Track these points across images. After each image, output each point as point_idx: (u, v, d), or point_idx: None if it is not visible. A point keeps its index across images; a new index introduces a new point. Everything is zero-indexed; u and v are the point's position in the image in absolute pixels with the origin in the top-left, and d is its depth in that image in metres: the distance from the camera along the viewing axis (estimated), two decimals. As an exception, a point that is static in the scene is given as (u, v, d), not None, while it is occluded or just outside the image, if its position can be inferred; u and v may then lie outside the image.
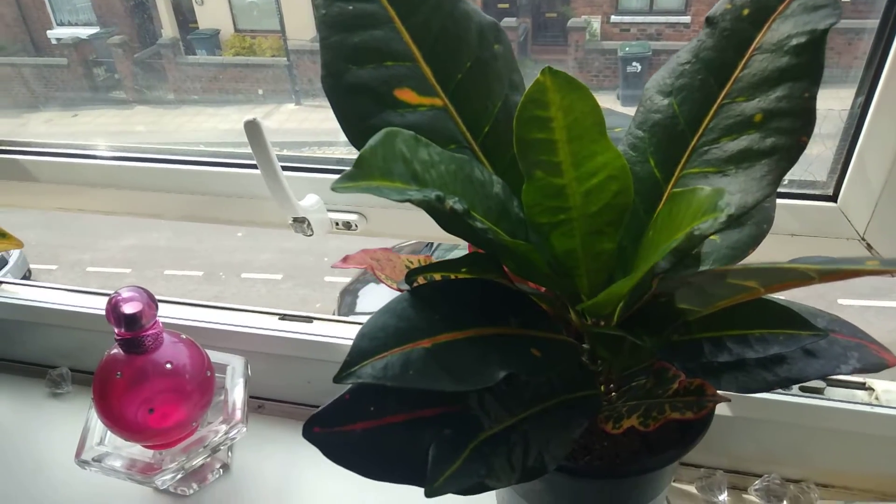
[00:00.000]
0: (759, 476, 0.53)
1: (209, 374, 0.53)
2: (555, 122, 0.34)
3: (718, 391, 0.35)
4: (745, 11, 0.34)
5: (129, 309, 0.49)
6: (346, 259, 0.41)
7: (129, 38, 6.07)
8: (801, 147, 0.33)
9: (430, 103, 0.38)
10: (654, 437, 0.41)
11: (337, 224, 0.73)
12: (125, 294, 0.49)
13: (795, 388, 0.53)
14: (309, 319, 0.64)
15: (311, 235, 0.71)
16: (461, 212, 0.30)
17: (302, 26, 5.99)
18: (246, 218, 0.78)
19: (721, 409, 0.52)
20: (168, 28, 6.08)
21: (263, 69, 6.13)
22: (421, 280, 0.38)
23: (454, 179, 0.34)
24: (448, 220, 0.33)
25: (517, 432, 0.35)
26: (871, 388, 0.53)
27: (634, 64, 5.29)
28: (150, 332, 0.50)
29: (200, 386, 0.53)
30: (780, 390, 0.53)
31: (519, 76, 0.40)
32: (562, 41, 5.76)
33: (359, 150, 0.37)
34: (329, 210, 0.72)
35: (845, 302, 3.33)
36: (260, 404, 0.64)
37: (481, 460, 0.33)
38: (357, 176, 0.28)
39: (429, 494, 0.31)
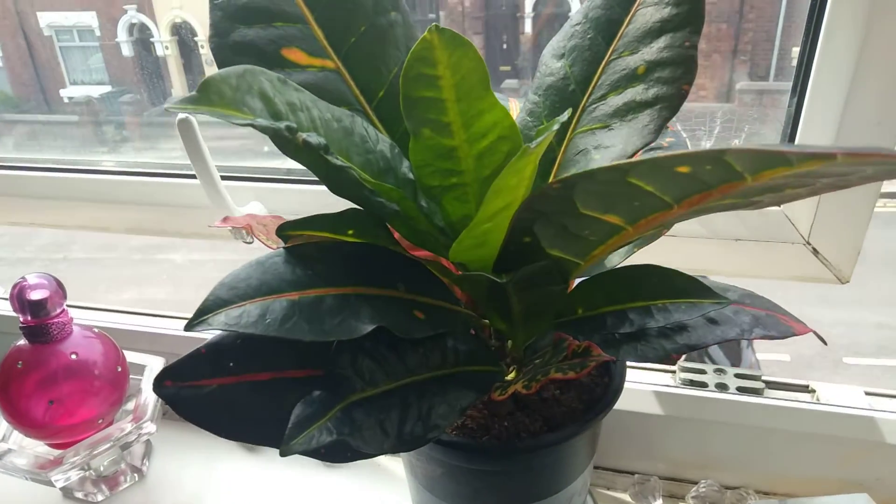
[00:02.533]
0: (696, 483, 0.50)
1: (120, 370, 0.51)
2: (443, 81, 0.33)
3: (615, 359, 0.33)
4: (631, -34, 0.34)
5: (35, 295, 0.47)
6: (225, 219, 0.40)
7: (140, 97, 6.26)
8: (682, 95, 0.32)
9: (321, 65, 0.37)
10: (558, 419, 0.38)
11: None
12: (32, 280, 0.48)
13: (733, 387, 0.50)
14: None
15: (250, 243, 0.70)
16: (315, 145, 0.29)
17: (308, 87, 6.16)
18: (190, 229, 0.77)
19: (653, 408, 0.50)
20: (178, 88, 6.28)
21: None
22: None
23: (327, 128, 0.33)
24: (310, 162, 0.31)
25: (395, 397, 0.32)
26: (812, 391, 0.50)
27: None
28: (56, 320, 0.48)
29: (111, 382, 0.50)
30: (715, 389, 0.51)
31: (409, 45, 0.39)
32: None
33: (244, 108, 0.36)
34: (273, 219, 0.71)
35: (851, 361, 3.27)
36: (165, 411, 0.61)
37: (348, 421, 0.30)
38: (199, 100, 0.27)
39: (283, 452, 0.29)
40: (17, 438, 0.51)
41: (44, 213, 0.80)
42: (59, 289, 0.49)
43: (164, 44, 6.75)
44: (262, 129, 0.28)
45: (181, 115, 0.60)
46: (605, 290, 0.37)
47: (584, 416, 0.37)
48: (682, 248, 0.61)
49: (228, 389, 0.31)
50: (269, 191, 0.71)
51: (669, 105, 0.32)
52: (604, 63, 0.35)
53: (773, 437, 0.49)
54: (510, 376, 0.39)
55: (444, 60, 0.33)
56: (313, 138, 0.29)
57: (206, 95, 0.27)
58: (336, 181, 0.35)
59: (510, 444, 0.36)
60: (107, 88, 6.65)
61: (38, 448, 0.50)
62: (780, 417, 0.48)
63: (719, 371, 0.52)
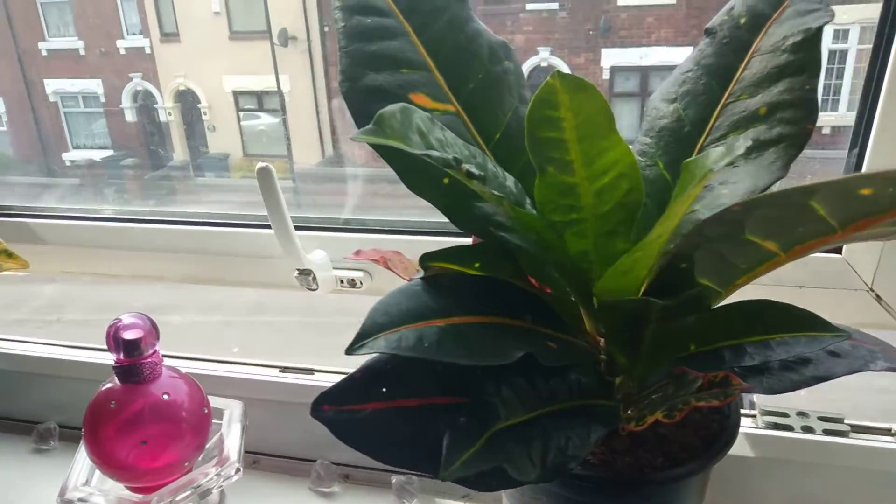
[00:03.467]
0: (790, 527, 0.50)
1: (206, 412, 0.51)
2: (565, 122, 0.35)
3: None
4: (742, 20, 0.37)
5: (129, 335, 0.48)
6: (358, 252, 0.41)
7: (142, 160, 6.34)
8: (807, 134, 0.34)
9: (444, 108, 0.39)
10: (678, 454, 0.38)
11: (342, 282, 0.73)
12: (127, 320, 0.48)
13: (819, 430, 0.51)
14: (310, 371, 0.62)
15: (315, 290, 0.71)
16: (477, 176, 0.30)
17: (308, 153, 6.29)
18: (249, 278, 0.77)
19: (742, 450, 0.50)
20: (180, 152, 6.37)
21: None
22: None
23: (467, 163, 0.34)
24: (458, 198, 0.33)
25: (535, 427, 0.33)
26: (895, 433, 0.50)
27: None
28: (149, 360, 0.48)
29: (197, 424, 0.50)
30: (802, 432, 0.51)
31: (528, 92, 0.42)
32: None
33: (375, 149, 0.38)
34: (335, 268, 0.72)
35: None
36: (255, 459, 0.60)
37: (499, 449, 0.31)
38: (377, 133, 0.29)
39: (443, 476, 0.29)
40: (100, 480, 0.50)
41: (97, 263, 0.81)
42: (153, 329, 0.49)
43: (167, 110, 6.89)
44: (434, 160, 0.30)
45: (261, 164, 0.62)
46: (719, 325, 0.38)
47: (706, 451, 0.37)
48: (746, 294, 0.62)
49: (381, 414, 0.32)
50: (330, 240, 0.73)
51: (794, 143, 0.33)
52: (720, 106, 0.37)
53: (858, 477, 0.49)
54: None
55: (566, 103, 0.35)
56: (475, 169, 0.30)
57: (381, 128, 0.29)
58: (467, 215, 0.36)
59: (643, 476, 0.36)
60: (109, 152, 6.74)
61: (121, 492, 0.50)
62: (864, 456, 0.49)
63: (801, 414, 0.53)
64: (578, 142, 0.36)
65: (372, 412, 0.32)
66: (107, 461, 0.48)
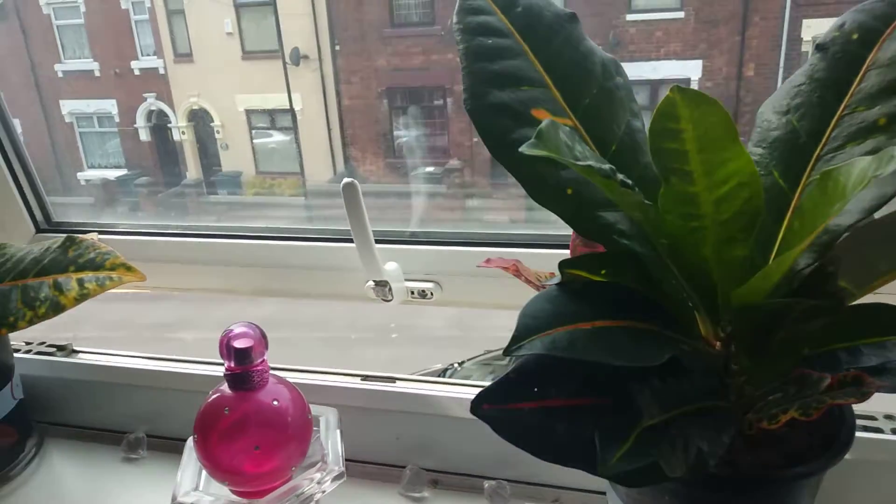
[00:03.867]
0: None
1: (309, 418, 0.52)
2: (685, 134, 0.37)
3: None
4: (854, 36, 0.38)
5: (240, 343, 0.49)
6: (489, 261, 0.43)
7: (155, 179, 6.41)
8: (928, 142, 0.35)
9: (563, 122, 0.41)
10: (793, 455, 0.39)
11: (413, 293, 0.74)
12: (238, 329, 0.50)
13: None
14: (392, 380, 0.64)
15: (390, 301, 0.72)
16: (630, 185, 0.32)
17: (320, 170, 6.34)
18: (318, 290, 0.79)
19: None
20: (193, 170, 6.44)
21: (282, 208, 6.37)
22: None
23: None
24: (582, 207, 0.34)
25: (675, 427, 0.34)
26: None
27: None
28: (258, 368, 0.50)
29: (301, 430, 0.51)
30: (890, 433, 0.52)
31: (637, 106, 0.43)
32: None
33: (499, 161, 0.40)
34: (406, 279, 0.74)
35: None
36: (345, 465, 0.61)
37: (649, 446, 0.32)
38: (539, 146, 0.31)
39: (603, 472, 0.30)
40: (204, 487, 0.52)
41: (163, 278, 0.82)
42: (263, 338, 0.50)
43: (180, 129, 6.93)
44: (590, 170, 0.31)
45: (347, 180, 0.64)
46: (834, 328, 0.39)
47: (827, 451, 0.38)
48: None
49: (536, 413, 0.33)
50: (399, 253, 0.74)
51: (918, 151, 0.35)
52: (836, 118, 0.38)
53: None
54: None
55: (686, 116, 0.36)
56: (627, 179, 0.32)
57: (544, 142, 0.31)
58: (591, 223, 0.38)
59: (776, 474, 0.37)
60: (123, 171, 6.77)
61: (231, 497, 0.51)
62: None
63: (889, 417, 0.54)
64: (698, 152, 0.37)
65: (527, 411, 0.33)
66: (220, 466, 0.49)
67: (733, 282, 0.38)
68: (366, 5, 6.04)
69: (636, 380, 0.35)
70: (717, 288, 0.38)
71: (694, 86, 5.33)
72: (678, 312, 0.40)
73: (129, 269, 0.50)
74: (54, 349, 0.72)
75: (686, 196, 0.38)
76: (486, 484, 0.57)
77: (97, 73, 6.52)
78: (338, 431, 0.55)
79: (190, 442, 0.56)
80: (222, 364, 0.68)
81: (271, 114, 6.44)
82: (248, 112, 6.33)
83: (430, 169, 6.13)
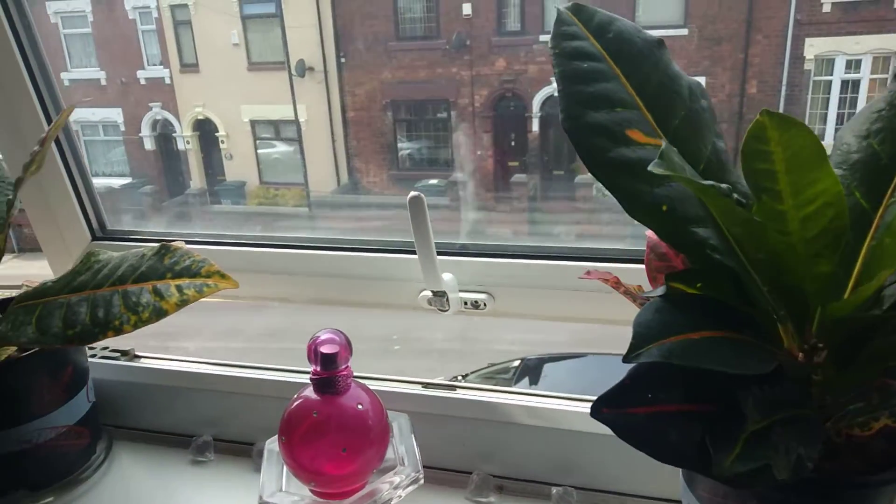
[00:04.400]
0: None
1: (387, 422, 0.54)
2: (774, 155, 0.39)
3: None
4: (932, 65, 0.41)
5: (327, 349, 0.51)
6: (589, 273, 0.45)
7: (160, 188, 6.43)
8: None
9: (654, 143, 0.43)
10: (875, 461, 0.41)
11: (466, 303, 0.76)
12: (324, 336, 0.52)
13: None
14: (453, 388, 0.66)
15: (446, 311, 0.74)
16: (745, 204, 0.34)
17: (323, 180, 6.37)
18: (373, 300, 0.81)
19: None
20: (197, 180, 6.46)
21: (285, 218, 6.39)
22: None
23: (705, 193, 0.38)
24: (676, 223, 0.37)
25: (775, 432, 0.36)
26: None
27: (641, 216, 5.51)
28: (343, 373, 0.52)
29: (381, 433, 0.53)
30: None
31: (719, 127, 0.46)
32: (570, 195, 6.03)
33: (597, 178, 0.42)
34: (460, 290, 0.76)
35: None
36: (408, 473, 0.63)
37: (758, 449, 0.34)
38: (664, 166, 0.33)
39: (719, 475, 0.32)
40: (286, 488, 0.54)
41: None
42: (348, 344, 0.52)
43: (185, 138, 6.95)
44: (717, 190, 0.33)
45: (413, 193, 0.66)
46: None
47: (909, 455, 0.40)
48: None
49: (652, 417, 0.35)
50: (450, 264, 0.76)
51: None
52: (916, 142, 0.41)
53: None
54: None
55: (776, 138, 0.39)
56: (742, 199, 0.34)
57: (668, 163, 0.33)
58: (684, 238, 0.40)
59: (860, 478, 0.39)
60: (128, 180, 6.79)
61: (315, 498, 0.53)
62: None
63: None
64: (787, 173, 0.40)
65: (643, 415, 0.35)
66: (307, 466, 0.51)
67: (821, 296, 0.41)
68: (372, 18, 6.10)
69: (739, 387, 0.37)
70: (808, 301, 0.40)
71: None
72: (765, 324, 0.42)
73: (223, 276, 0.52)
74: (118, 354, 0.74)
75: (775, 213, 0.40)
76: (554, 490, 0.58)
77: (103, 82, 6.55)
78: (412, 436, 0.57)
79: (267, 444, 0.58)
80: (282, 369, 0.70)
81: (276, 125, 6.48)
82: (253, 122, 6.37)
83: (433, 181, 6.16)
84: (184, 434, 0.69)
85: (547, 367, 3.63)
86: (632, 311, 0.73)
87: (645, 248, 0.52)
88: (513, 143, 6.19)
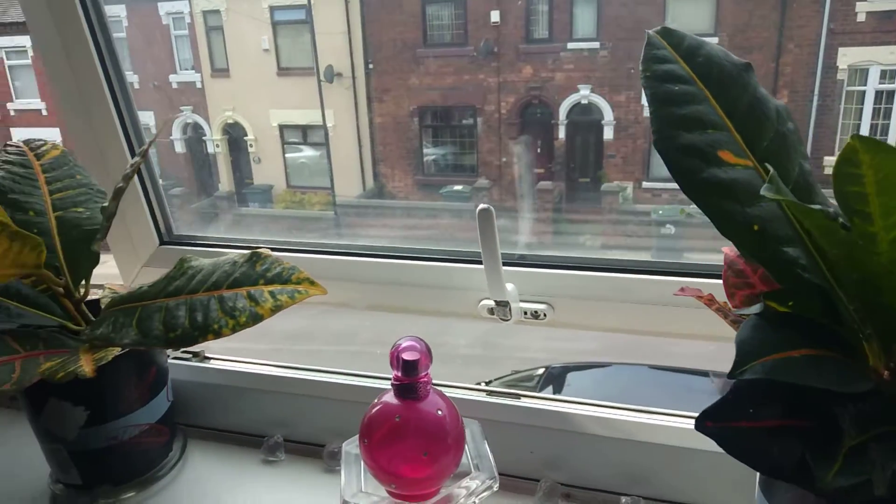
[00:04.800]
0: None
1: (463, 428, 0.56)
2: (866, 178, 0.40)
3: None
4: None
5: (408, 356, 0.53)
6: (683, 289, 0.46)
7: (189, 190, 6.53)
8: None
9: (744, 164, 0.44)
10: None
11: (526, 313, 0.78)
12: (406, 343, 0.54)
13: None
14: (517, 396, 0.67)
15: (507, 320, 0.76)
16: (848, 227, 0.36)
17: (349, 185, 6.43)
18: (432, 307, 0.83)
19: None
20: (225, 182, 6.56)
21: (312, 221, 6.46)
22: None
23: (802, 214, 0.39)
24: (766, 243, 0.38)
25: (872, 448, 0.37)
26: None
27: (668, 226, 5.49)
28: (423, 380, 0.54)
29: (458, 439, 0.55)
30: None
31: (805, 149, 0.47)
32: (595, 203, 6.00)
33: (690, 198, 0.44)
34: (521, 301, 0.78)
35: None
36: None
37: (858, 464, 0.35)
38: (775, 191, 0.34)
39: (822, 489, 0.33)
40: (365, 489, 0.55)
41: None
42: (428, 352, 0.54)
43: (215, 142, 7.04)
44: (825, 213, 0.35)
45: (482, 206, 0.68)
46: None
47: None
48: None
49: (753, 432, 0.36)
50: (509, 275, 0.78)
51: None
52: None
53: None
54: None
55: (867, 161, 0.40)
56: (846, 221, 0.36)
57: (777, 187, 0.34)
58: (775, 258, 0.41)
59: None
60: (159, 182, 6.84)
61: (394, 501, 0.54)
62: None
63: None
64: (878, 195, 0.41)
65: (745, 429, 0.36)
66: (388, 469, 0.53)
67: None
68: (400, 25, 6.15)
69: (835, 404, 0.38)
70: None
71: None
72: (852, 342, 0.43)
73: (312, 283, 0.54)
74: (190, 355, 0.76)
75: (866, 235, 0.42)
76: (623, 500, 0.60)
77: (136, 86, 6.68)
78: (485, 442, 0.58)
79: (344, 447, 0.59)
80: (351, 374, 0.72)
81: (304, 129, 6.55)
82: (282, 127, 6.45)
83: (458, 187, 6.19)
84: (254, 434, 0.72)
85: (571, 376, 3.63)
86: (681, 323, 0.74)
87: (721, 266, 0.53)
88: (539, 151, 6.20)
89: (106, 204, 0.62)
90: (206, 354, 0.77)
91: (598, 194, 5.80)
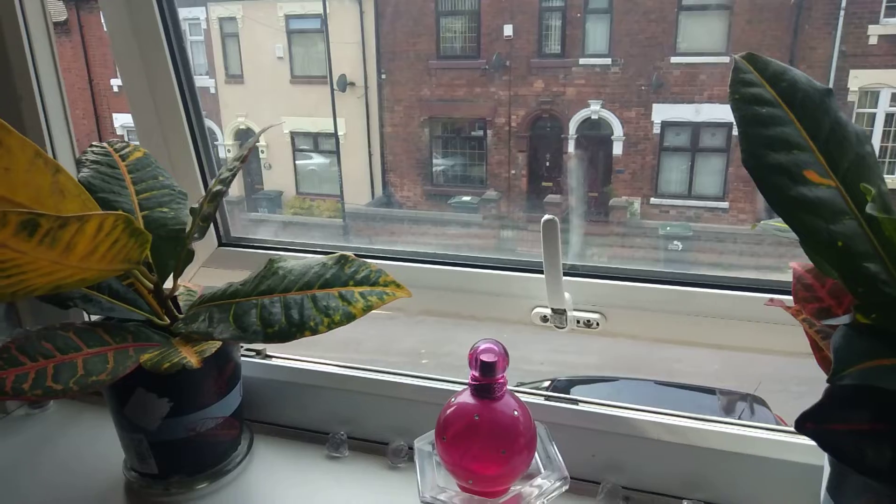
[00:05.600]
0: None
1: (535, 429, 0.58)
2: None
3: None
4: None
5: (487, 357, 0.56)
6: (772, 300, 0.49)
7: (199, 196, 6.57)
8: None
9: (827, 183, 0.47)
10: None
11: (578, 322, 0.80)
12: (484, 345, 0.56)
13: None
14: (576, 402, 0.69)
15: (562, 328, 0.78)
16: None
17: (358, 192, 6.47)
18: (486, 314, 0.85)
19: None
20: (236, 187, 6.60)
21: (320, 228, 6.49)
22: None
23: None
24: (849, 259, 0.41)
25: (955, 452, 0.40)
26: None
27: (675, 243, 5.51)
28: (501, 381, 0.56)
29: (531, 439, 0.57)
30: None
31: (882, 171, 0.50)
32: (603, 217, 6.02)
33: (779, 214, 0.46)
34: (574, 310, 0.80)
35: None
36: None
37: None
38: (878, 209, 0.37)
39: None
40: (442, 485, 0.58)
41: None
42: (505, 354, 0.57)
43: (227, 147, 7.07)
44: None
45: (547, 217, 0.70)
46: None
47: None
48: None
49: (849, 433, 0.39)
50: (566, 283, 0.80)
51: None
52: None
53: None
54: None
55: None
56: (940, 239, 0.38)
57: (880, 206, 0.37)
58: (856, 273, 0.44)
59: None
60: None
61: (470, 498, 0.57)
62: None
63: None
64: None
65: (841, 431, 0.39)
66: (465, 465, 0.55)
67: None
68: (414, 37, 6.21)
69: (920, 409, 0.40)
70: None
71: (735, 131, 5.35)
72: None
73: (398, 286, 0.57)
74: (253, 353, 0.79)
75: (944, 252, 0.44)
76: (684, 503, 0.62)
77: (152, 89, 6.71)
78: (553, 445, 0.61)
79: (417, 444, 0.62)
80: (412, 374, 0.75)
81: (315, 137, 6.60)
82: (293, 134, 6.51)
83: (466, 198, 6.23)
84: (317, 431, 0.74)
85: (576, 390, 3.65)
86: (731, 335, 0.77)
87: (791, 280, 0.56)
88: (547, 164, 6.24)
89: (195, 205, 0.64)
90: (268, 352, 0.80)
91: (606, 209, 5.82)
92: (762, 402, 3.39)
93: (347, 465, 0.70)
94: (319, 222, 6.65)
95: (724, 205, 5.60)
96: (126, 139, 0.89)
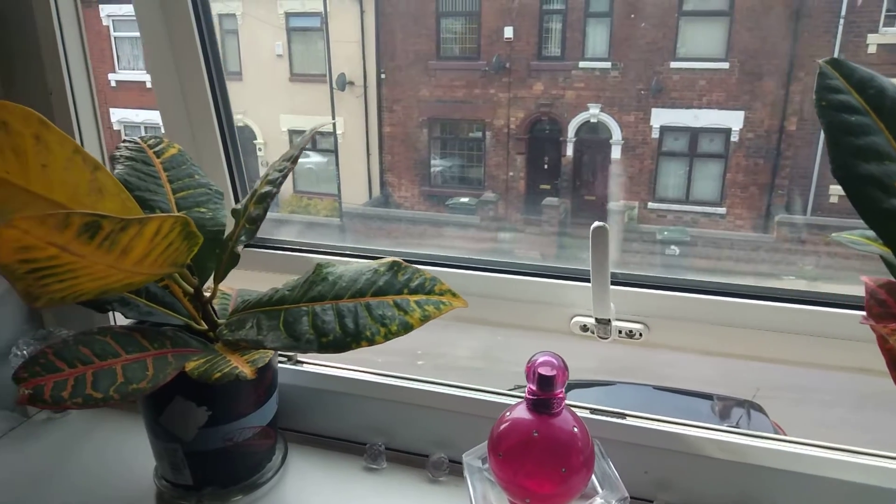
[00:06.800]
0: None
1: (593, 446, 0.56)
2: None
3: None
4: None
5: (545, 371, 0.53)
6: (865, 318, 0.47)
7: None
8: None
9: (918, 196, 0.45)
10: None
11: (620, 332, 0.78)
12: (542, 358, 0.54)
13: None
14: (622, 416, 0.67)
15: (605, 339, 0.76)
16: None
17: (355, 192, 6.44)
18: (524, 322, 0.83)
19: None
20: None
21: (317, 227, 6.46)
22: None
23: None
24: None
25: None
26: None
27: (673, 248, 5.52)
28: (560, 396, 0.54)
29: (590, 456, 0.55)
30: None
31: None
32: (601, 221, 5.96)
33: (871, 227, 0.44)
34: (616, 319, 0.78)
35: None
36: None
37: None
38: None
39: None
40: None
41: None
42: (564, 368, 0.54)
43: (223, 144, 6.96)
44: None
45: (597, 224, 0.68)
46: None
47: None
48: None
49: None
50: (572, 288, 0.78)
51: None
52: None
53: None
54: None
55: None
56: None
57: None
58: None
59: None
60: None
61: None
62: None
63: None
64: None
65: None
66: (524, 484, 0.53)
67: None
68: (414, 37, 6.19)
69: None
70: None
71: (735, 137, 5.38)
72: None
73: (454, 295, 0.54)
74: (285, 358, 0.76)
75: None
76: (739, 519, 0.60)
77: (149, 85, 6.66)
78: (608, 461, 0.58)
79: (465, 459, 0.59)
80: (451, 384, 0.72)
81: (313, 136, 6.56)
82: (291, 132, 6.46)
83: (464, 199, 6.21)
84: (352, 441, 0.71)
85: (573, 394, 3.64)
86: (776, 348, 0.75)
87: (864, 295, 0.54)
88: (546, 167, 6.23)
89: (237, 206, 0.62)
90: (299, 358, 0.77)
91: (603, 212, 5.82)
92: (759, 409, 3.38)
93: (386, 478, 0.68)
94: (316, 221, 6.62)
95: (722, 210, 5.60)
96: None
